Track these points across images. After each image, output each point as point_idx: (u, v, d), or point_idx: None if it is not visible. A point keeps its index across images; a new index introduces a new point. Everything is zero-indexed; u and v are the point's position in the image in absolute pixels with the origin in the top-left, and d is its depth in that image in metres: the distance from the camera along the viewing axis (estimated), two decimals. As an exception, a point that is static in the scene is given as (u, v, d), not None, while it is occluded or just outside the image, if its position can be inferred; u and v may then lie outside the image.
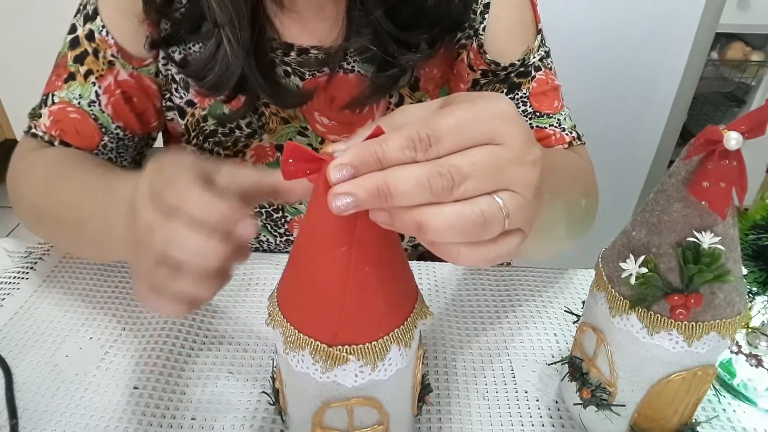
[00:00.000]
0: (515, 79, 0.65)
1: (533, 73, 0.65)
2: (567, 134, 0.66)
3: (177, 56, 0.62)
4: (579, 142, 0.67)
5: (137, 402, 0.50)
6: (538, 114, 0.66)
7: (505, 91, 0.65)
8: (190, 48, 0.61)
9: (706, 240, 0.36)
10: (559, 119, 0.66)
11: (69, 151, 0.62)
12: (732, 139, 0.34)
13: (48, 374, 0.52)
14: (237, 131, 0.65)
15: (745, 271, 0.46)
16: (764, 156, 0.56)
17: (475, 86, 0.66)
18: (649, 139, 1.50)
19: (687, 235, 0.37)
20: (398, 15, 0.56)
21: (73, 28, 0.64)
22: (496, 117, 0.31)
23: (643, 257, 0.39)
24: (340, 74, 0.62)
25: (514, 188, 0.30)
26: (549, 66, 0.66)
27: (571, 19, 1.31)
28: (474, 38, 0.63)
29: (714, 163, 0.35)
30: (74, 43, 0.63)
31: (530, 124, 0.65)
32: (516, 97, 0.65)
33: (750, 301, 0.49)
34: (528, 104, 0.65)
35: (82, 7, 0.63)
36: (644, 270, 0.38)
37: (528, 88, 0.65)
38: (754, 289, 0.49)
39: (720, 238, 0.37)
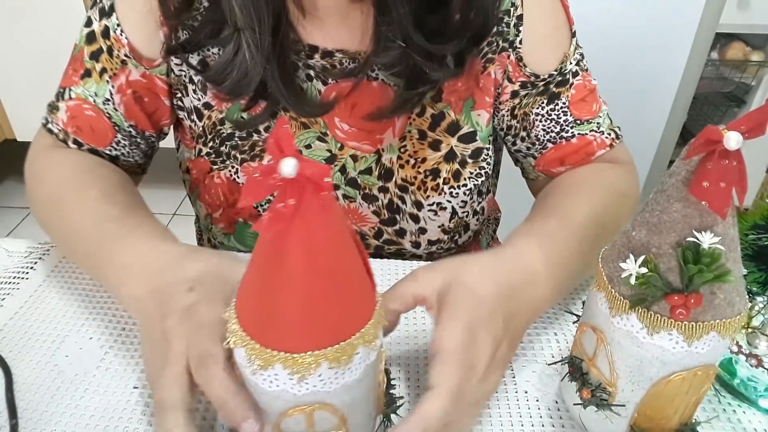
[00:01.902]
0: (554, 89, 0.65)
1: (571, 80, 0.65)
2: (606, 137, 0.67)
3: (194, 60, 0.61)
4: (618, 141, 0.68)
5: (137, 402, 0.50)
6: (578, 122, 0.66)
7: (545, 102, 0.66)
8: (208, 50, 0.61)
9: (706, 240, 0.36)
10: (598, 122, 0.67)
11: (79, 162, 0.63)
12: (732, 139, 0.34)
13: (48, 374, 0.52)
14: (255, 135, 0.64)
15: (745, 271, 0.46)
16: (764, 156, 0.56)
17: (515, 97, 0.66)
18: (649, 139, 1.50)
19: (687, 235, 0.37)
20: (425, 26, 0.56)
21: (89, 22, 0.63)
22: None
23: (643, 257, 0.39)
24: (364, 81, 0.62)
25: None
26: (585, 68, 0.67)
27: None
28: (511, 51, 0.63)
29: (714, 163, 0.35)
30: (90, 38, 0.63)
31: (572, 132, 0.66)
32: (556, 107, 0.66)
33: (750, 301, 0.49)
34: (568, 113, 0.66)
35: (98, 0, 0.63)
36: (644, 270, 0.38)
37: (567, 96, 0.65)
38: (754, 289, 0.49)
39: (720, 238, 0.37)
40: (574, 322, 0.49)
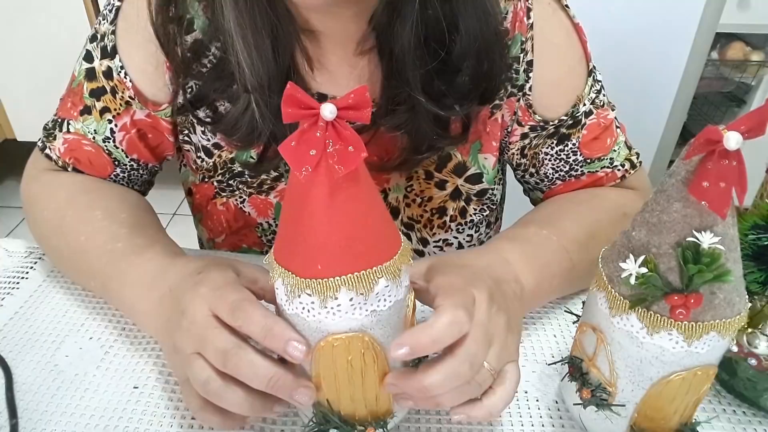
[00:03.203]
0: (564, 131, 0.64)
1: (584, 121, 0.64)
2: (618, 169, 0.66)
3: (202, 113, 0.60)
4: (632, 172, 0.67)
5: (137, 402, 0.50)
6: (588, 161, 0.65)
7: (554, 143, 0.65)
8: (217, 101, 0.60)
9: (706, 240, 0.36)
10: (611, 158, 0.66)
11: (81, 183, 0.63)
12: (732, 139, 0.34)
13: (48, 374, 0.52)
14: (264, 174, 0.64)
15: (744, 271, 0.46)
16: (764, 156, 0.56)
17: (524, 138, 0.65)
18: (649, 139, 1.50)
19: (687, 235, 0.37)
20: (432, 89, 0.55)
21: (88, 56, 0.62)
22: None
23: (643, 257, 0.39)
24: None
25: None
26: (602, 103, 0.65)
27: (571, 19, 1.31)
28: (521, 96, 0.62)
29: (714, 163, 0.35)
30: (90, 75, 0.62)
31: (581, 171, 0.66)
32: (566, 148, 0.65)
33: (750, 301, 0.49)
34: (578, 153, 0.65)
35: (99, 36, 0.61)
36: (644, 270, 0.38)
37: (578, 137, 0.64)
38: (754, 289, 0.49)
39: (720, 238, 0.37)
40: (574, 322, 0.49)
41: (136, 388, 0.51)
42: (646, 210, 0.40)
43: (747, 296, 0.41)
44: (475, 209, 0.67)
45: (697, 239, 0.37)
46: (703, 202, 0.36)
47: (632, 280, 0.39)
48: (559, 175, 0.67)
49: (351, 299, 0.38)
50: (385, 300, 0.39)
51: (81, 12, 1.75)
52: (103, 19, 0.61)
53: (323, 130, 0.35)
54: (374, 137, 0.60)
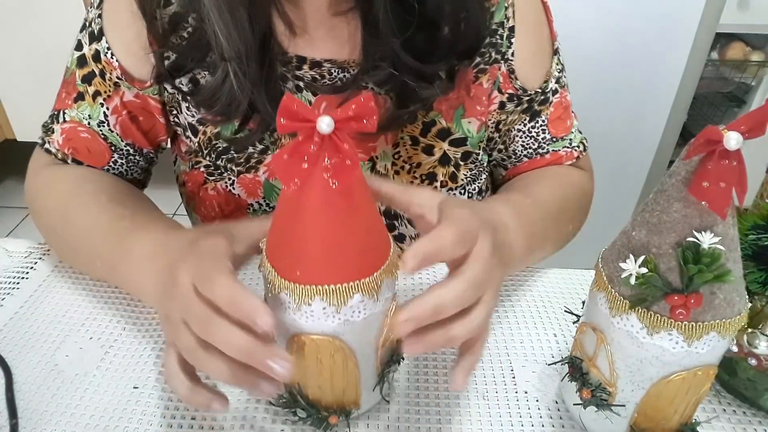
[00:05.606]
0: (536, 107, 0.67)
1: (551, 98, 0.67)
2: (575, 150, 0.70)
3: (184, 83, 0.61)
4: (584, 154, 0.72)
5: (137, 402, 0.50)
6: (554, 139, 0.69)
7: (527, 119, 0.68)
8: (197, 72, 0.60)
9: (706, 240, 0.36)
10: (570, 139, 0.70)
11: (83, 174, 0.64)
12: (732, 139, 0.34)
13: (48, 374, 0.52)
14: (250, 148, 0.64)
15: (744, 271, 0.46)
16: (764, 156, 0.56)
17: (501, 108, 0.66)
18: (649, 139, 1.50)
19: (687, 235, 0.37)
20: (414, 45, 0.55)
21: (79, 45, 0.64)
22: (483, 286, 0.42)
23: (643, 257, 0.39)
24: (354, 92, 0.61)
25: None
26: (564, 84, 0.69)
27: (571, 19, 1.31)
28: (503, 62, 0.64)
29: (714, 163, 0.35)
30: (81, 61, 0.63)
31: (547, 149, 0.69)
32: (536, 125, 0.68)
33: (750, 301, 0.49)
34: (546, 131, 0.68)
35: (87, 24, 0.63)
36: (644, 270, 0.38)
37: (547, 114, 0.68)
38: (754, 289, 0.49)
39: (720, 238, 0.37)
40: (574, 322, 0.49)
41: (136, 388, 0.51)
42: (646, 210, 0.40)
43: (747, 296, 0.41)
44: (465, 174, 0.68)
45: (697, 239, 0.37)
46: (703, 202, 0.36)
47: (632, 280, 0.39)
48: (527, 152, 0.70)
49: (324, 308, 0.39)
50: (359, 312, 0.40)
51: (81, 12, 1.75)
52: (91, 7, 0.63)
53: (318, 145, 0.34)
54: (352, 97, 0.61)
